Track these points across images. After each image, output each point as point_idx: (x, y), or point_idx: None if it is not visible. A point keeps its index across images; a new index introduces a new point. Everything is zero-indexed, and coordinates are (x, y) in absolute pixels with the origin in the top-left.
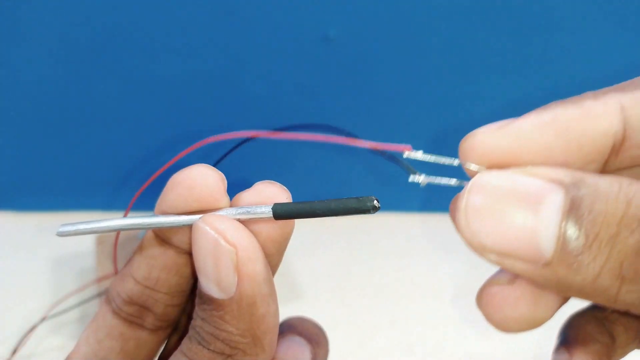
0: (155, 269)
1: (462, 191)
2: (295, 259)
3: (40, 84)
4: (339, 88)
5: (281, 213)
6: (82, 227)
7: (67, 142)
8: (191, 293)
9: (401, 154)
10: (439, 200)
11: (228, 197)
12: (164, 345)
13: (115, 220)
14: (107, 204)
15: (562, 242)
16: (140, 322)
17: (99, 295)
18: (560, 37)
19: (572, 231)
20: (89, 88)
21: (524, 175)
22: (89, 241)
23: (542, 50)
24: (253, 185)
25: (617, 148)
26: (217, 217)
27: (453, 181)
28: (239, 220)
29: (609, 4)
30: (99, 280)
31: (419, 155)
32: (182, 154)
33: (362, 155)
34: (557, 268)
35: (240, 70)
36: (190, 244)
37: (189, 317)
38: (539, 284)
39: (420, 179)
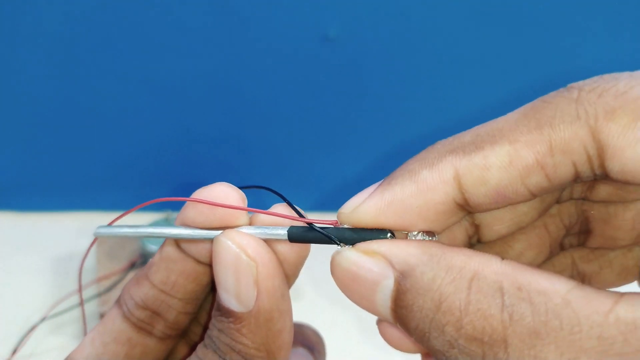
0: (174, 274)
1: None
2: None
3: (40, 84)
4: (339, 88)
5: (296, 237)
6: (115, 231)
7: (67, 143)
8: (204, 302)
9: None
10: None
11: (248, 216)
12: (169, 353)
13: (147, 228)
14: (107, 204)
15: (397, 320)
16: (150, 328)
17: (99, 295)
18: (557, 35)
19: (400, 315)
20: (89, 89)
21: (365, 256)
22: (88, 241)
23: (544, 51)
24: (272, 207)
25: (464, 204)
26: (238, 232)
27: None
28: None
29: (607, 2)
30: (99, 280)
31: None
32: (135, 208)
33: (361, 157)
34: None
35: (240, 70)
36: (208, 257)
37: (200, 327)
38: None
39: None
